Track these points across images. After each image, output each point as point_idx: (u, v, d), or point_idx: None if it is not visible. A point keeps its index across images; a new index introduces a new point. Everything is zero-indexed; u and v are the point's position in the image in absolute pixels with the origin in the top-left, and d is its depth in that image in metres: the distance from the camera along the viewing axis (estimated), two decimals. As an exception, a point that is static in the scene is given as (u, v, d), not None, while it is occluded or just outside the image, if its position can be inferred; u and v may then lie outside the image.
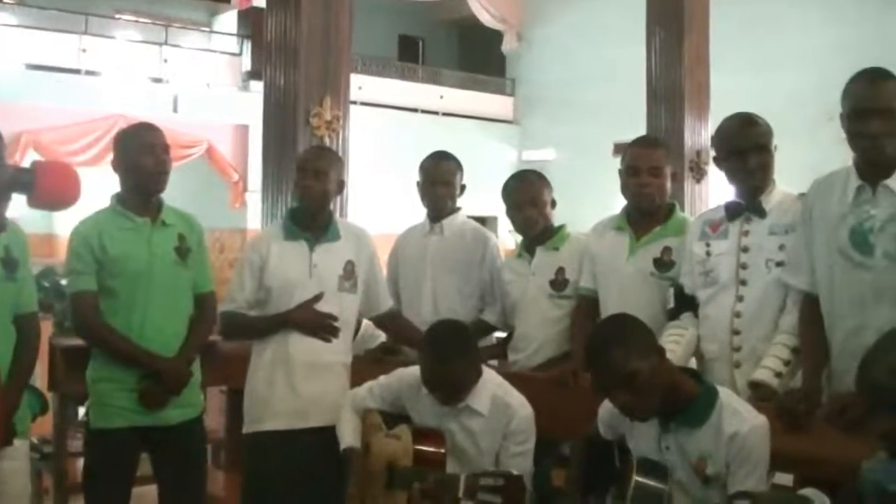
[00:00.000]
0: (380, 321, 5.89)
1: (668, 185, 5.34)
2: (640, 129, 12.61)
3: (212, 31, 29.98)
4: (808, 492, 3.55)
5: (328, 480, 4.99)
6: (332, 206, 5.60)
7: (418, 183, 6.22)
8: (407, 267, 6.26)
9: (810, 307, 4.54)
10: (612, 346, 3.87)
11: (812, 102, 18.43)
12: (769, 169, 4.81)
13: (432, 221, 6.20)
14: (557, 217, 5.84)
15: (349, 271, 5.45)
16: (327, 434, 5.04)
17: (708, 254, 4.89)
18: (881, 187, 4.26)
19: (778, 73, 22.46)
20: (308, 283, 5.34)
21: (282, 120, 9.60)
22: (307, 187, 5.38)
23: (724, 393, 4.05)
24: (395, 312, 5.88)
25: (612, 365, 3.84)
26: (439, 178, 6.15)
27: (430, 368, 4.58)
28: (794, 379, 4.55)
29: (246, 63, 26.57)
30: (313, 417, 5.26)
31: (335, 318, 5.34)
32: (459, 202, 6.23)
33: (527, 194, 5.71)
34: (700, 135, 13.13)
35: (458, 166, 6.23)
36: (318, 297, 5.30)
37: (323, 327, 5.32)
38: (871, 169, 4.30)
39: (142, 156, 5.09)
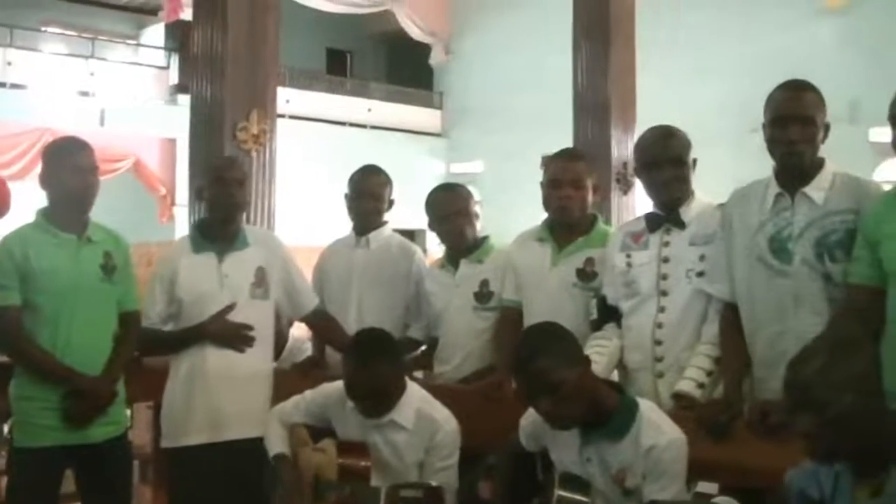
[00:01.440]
0: (308, 321, 5.87)
1: (590, 197, 5.37)
2: (569, 141, 12.69)
3: (139, 45, 29.84)
4: (721, 500, 3.59)
5: (252, 492, 4.97)
6: (258, 219, 5.59)
7: (346, 195, 6.21)
8: (332, 280, 6.21)
9: (730, 316, 4.60)
10: (540, 353, 3.90)
11: (737, 113, 18.53)
12: (686, 181, 4.87)
13: (358, 235, 6.18)
14: (487, 228, 5.86)
15: (260, 278, 5.43)
16: (250, 446, 5.03)
17: (629, 265, 4.92)
18: (799, 195, 4.35)
19: (704, 84, 22.63)
20: (219, 294, 5.33)
21: (209, 133, 9.58)
22: (231, 196, 5.38)
23: (646, 406, 4.08)
24: (322, 311, 5.85)
25: (539, 373, 3.86)
26: (367, 191, 6.13)
27: (352, 373, 4.58)
28: (716, 389, 4.59)
29: (173, 76, 26.44)
30: (234, 429, 5.25)
31: (250, 328, 5.33)
32: (387, 216, 6.23)
33: (456, 204, 5.72)
34: (627, 146, 13.18)
35: (388, 180, 6.22)
36: (229, 308, 5.29)
37: (237, 338, 5.31)
38: (789, 177, 4.39)
39: (70, 177, 5.04)
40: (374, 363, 4.54)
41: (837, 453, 3.26)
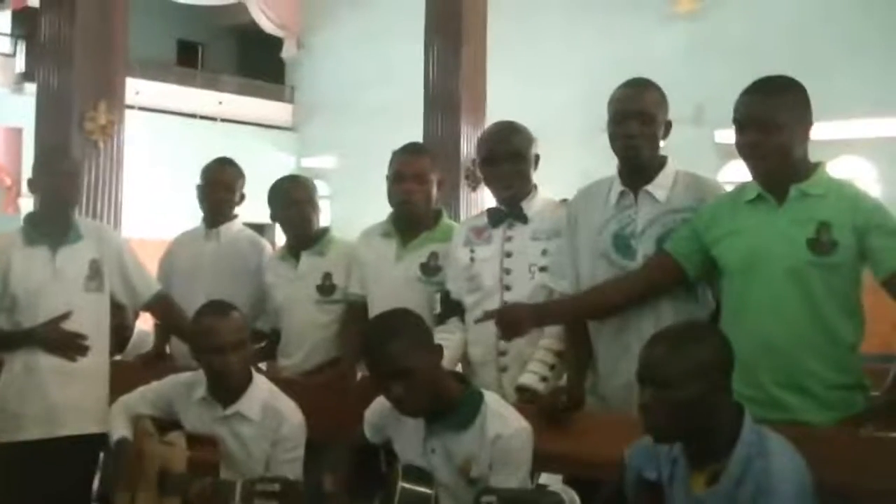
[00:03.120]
0: (149, 307, 5.72)
1: (434, 191, 5.39)
2: (419, 137, 12.74)
3: (-15, 32, 29.28)
4: (556, 487, 3.67)
5: (87, 488, 4.89)
6: (105, 211, 5.51)
7: (198, 186, 6.17)
8: (180, 272, 6.14)
9: None
10: (395, 336, 3.92)
11: (586, 113, 18.69)
12: (525, 177, 4.93)
13: (209, 227, 6.17)
14: (337, 223, 5.89)
15: (95, 271, 5.30)
16: (86, 442, 4.99)
17: (472, 259, 4.97)
18: (642, 193, 4.45)
19: (555, 84, 22.87)
20: (53, 288, 5.19)
21: (55, 123, 9.45)
22: (62, 188, 5.27)
23: (490, 397, 4.12)
24: (165, 297, 5.72)
25: (394, 356, 3.88)
26: (220, 181, 6.12)
27: (200, 332, 4.59)
28: (559, 382, 4.66)
29: (20, 64, 25.97)
30: (69, 425, 5.14)
31: (83, 337, 5.20)
32: (237, 210, 6.20)
33: (301, 192, 5.73)
34: (476, 143, 13.28)
35: (241, 173, 6.22)
36: (64, 316, 5.15)
37: (69, 347, 5.18)
38: (632, 174, 4.49)
39: None
40: (222, 315, 4.60)
41: (668, 434, 3.38)
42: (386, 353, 3.91)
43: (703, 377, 3.34)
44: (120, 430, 4.76)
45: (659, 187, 4.45)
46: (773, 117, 3.94)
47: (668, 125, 4.49)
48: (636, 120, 4.39)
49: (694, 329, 3.65)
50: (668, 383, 3.31)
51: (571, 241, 4.67)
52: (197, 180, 6.19)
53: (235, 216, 6.21)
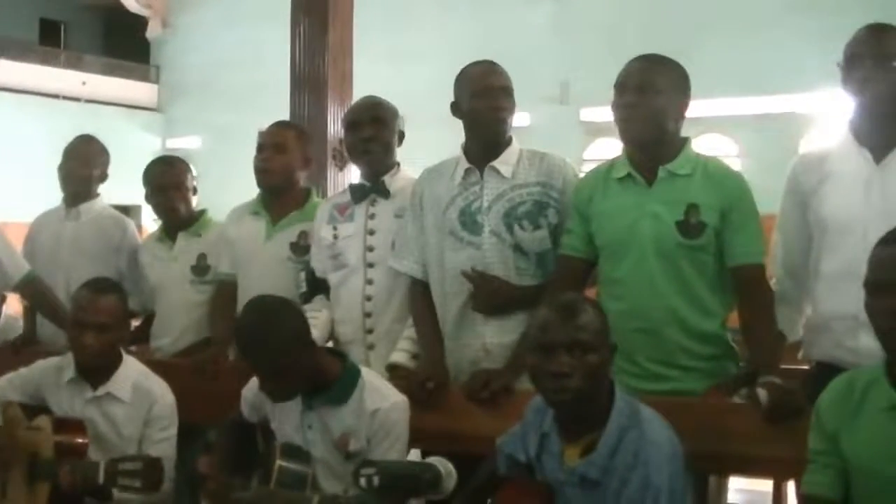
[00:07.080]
0: (20, 291, 5.73)
1: (297, 165, 5.45)
2: (286, 117, 12.71)
3: None
4: (432, 459, 3.73)
5: None
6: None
7: (59, 164, 6.10)
8: (41, 252, 6.04)
9: (419, 291, 4.75)
10: (271, 335, 3.90)
11: (448, 93, 18.84)
12: (387, 146, 5.00)
13: (69, 206, 6.09)
14: (203, 204, 5.85)
15: None
16: None
17: (336, 237, 5.00)
18: (488, 169, 4.56)
19: (422, 64, 22.88)
20: None
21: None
22: None
23: (367, 372, 4.18)
24: (35, 279, 5.71)
25: (268, 356, 3.90)
26: (77, 155, 6.06)
27: (84, 303, 4.53)
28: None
29: None
30: None
31: None
32: (101, 190, 6.14)
33: (170, 178, 5.70)
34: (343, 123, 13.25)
35: (102, 150, 6.17)
36: None
37: None
38: (479, 151, 4.60)
39: None
40: (106, 293, 4.55)
41: (580, 400, 3.44)
42: (262, 353, 3.91)
43: (607, 341, 3.49)
44: None
45: (504, 163, 4.56)
46: (653, 80, 4.10)
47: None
48: (503, 93, 4.54)
49: (579, 295, 3.74)
50: (591, 348, 3.41)
51: (416, 221, 4.75)
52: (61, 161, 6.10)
53: (97, 195, 6.15)
